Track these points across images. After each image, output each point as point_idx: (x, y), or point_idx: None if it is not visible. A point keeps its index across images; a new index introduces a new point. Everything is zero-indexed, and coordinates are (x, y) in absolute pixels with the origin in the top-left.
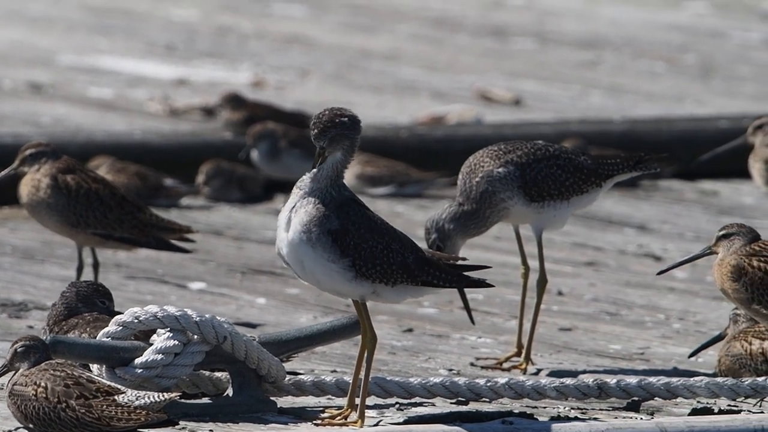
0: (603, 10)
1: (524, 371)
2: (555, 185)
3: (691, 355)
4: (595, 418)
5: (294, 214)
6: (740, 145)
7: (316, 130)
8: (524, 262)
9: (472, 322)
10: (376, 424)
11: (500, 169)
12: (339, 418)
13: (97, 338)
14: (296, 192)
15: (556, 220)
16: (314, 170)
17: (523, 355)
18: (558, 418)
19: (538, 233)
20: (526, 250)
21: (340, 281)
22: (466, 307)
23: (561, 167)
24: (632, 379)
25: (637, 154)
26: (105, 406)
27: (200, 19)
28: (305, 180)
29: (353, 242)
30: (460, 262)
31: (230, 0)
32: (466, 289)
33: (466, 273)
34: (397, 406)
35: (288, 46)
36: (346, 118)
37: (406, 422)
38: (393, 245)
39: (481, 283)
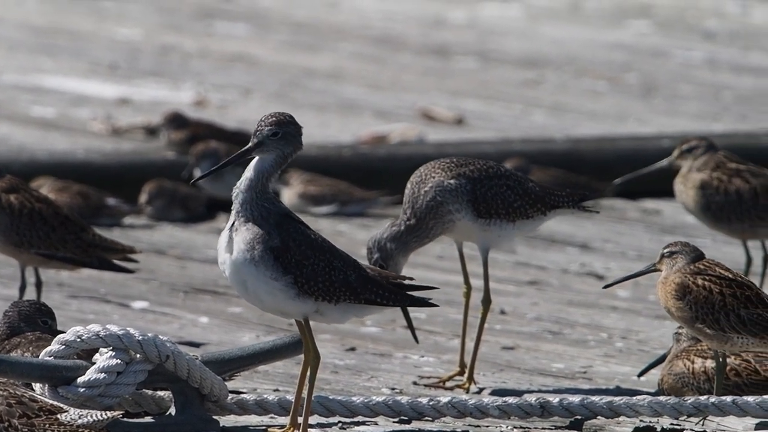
0: (545, 29)
1: (467, 390)
2: (503, 205)
3: (640, 375)
4: None
5: (235, 233)
6: (664, 167)
7: (270, 125)
8: (467, 282)
9: (416, 340)
10: None
11: (451, 181)
12: None
13: (40, 357)
14: (233, 208)
15: (501, 241)
16: (243, 177)
17: (466, 374)
18: None
19: (484, 253)
20: (469, 269)
21: (282, 299)
22: (410, 325)
23: (511, 188)
24: (575, 398)
25: (581, 192)
26: (48, 425)
27: (143, 38)
28: (236, 189)
29: (295, 259)
30: (407, 282)
31: (173, 19)
32: (409, 308)
33: (409, 292)
34: (340, 425)
35: (230, 65)
36: (295, 125)
37: None
38: (335, 263)
39: (425, 303)
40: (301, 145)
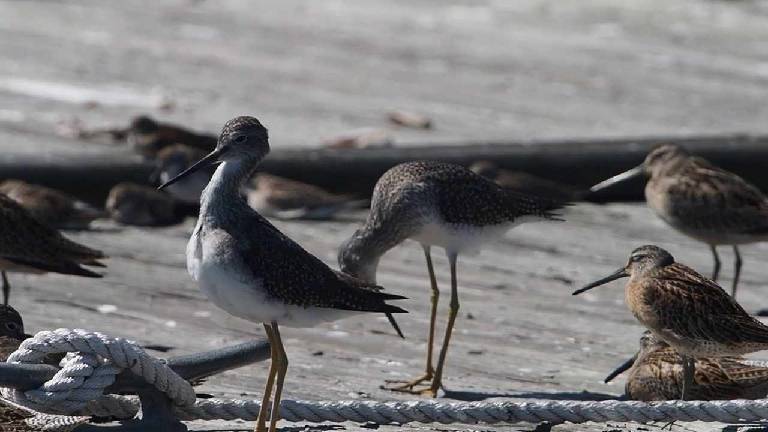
0: (513, 33)
1: (434, 395)
2: (471, 209)
3: (608, 380)
4: None
5: (203, 238)
6: (637, 175)
7: (235, 129)
8: (434, 286)
9: (400, 335)
10: None
11: (420, 184)
12: None
13: (7, 361)
14: (201, 213)
15: (468, 245)
16: (211, 182)
17: (433, 378)
18: None
19: (452, 257)
20: (437, 273)
21: (252, 303)
22: (392, 321)
23: (479, 193)
24: (542, 403)
25: (549, 200)
26: (15, 430)
27: (111, 42)
28: (204, 194)
29: (264, 262)
30: (376, 291)
31: (140, 23)
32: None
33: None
34: (307, 429)
35: (198, 68)
36: (261, 129)
37: None
38: (304, 266)
39: (395, 308)
40: (268, 148)
